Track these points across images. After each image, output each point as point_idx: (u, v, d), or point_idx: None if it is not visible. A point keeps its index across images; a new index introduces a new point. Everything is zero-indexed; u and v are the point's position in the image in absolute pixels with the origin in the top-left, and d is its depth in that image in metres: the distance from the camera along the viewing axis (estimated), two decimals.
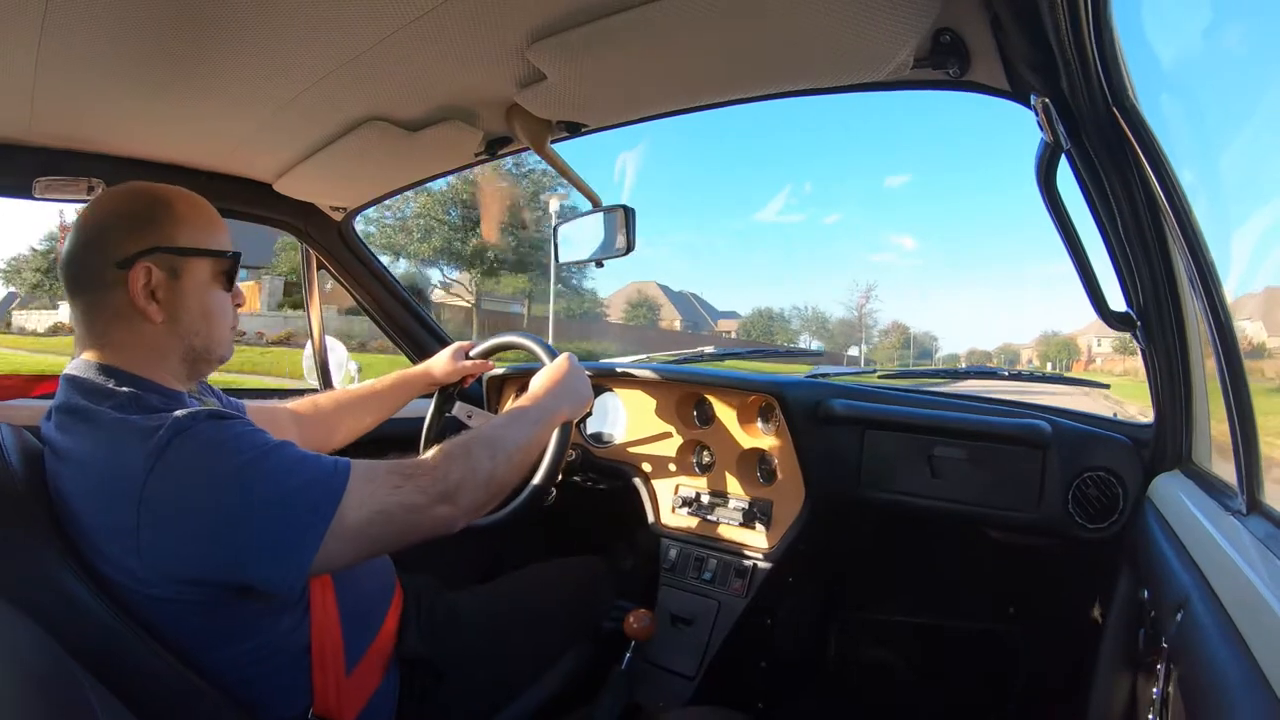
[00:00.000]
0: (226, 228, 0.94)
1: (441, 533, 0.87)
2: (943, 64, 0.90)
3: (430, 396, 1.51)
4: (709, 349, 1.95)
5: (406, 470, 0.85)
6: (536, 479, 1.23)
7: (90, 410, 0.78)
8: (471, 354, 1.48)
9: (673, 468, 1.66)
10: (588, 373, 1.24)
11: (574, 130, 1.25)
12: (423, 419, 1.52)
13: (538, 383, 1.16)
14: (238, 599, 0.79)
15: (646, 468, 1.69)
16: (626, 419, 1.74)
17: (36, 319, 22.82)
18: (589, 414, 1.54)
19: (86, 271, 0.84)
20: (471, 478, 0.89)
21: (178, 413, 0.75)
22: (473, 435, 0.97)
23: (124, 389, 0.80)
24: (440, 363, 1.46)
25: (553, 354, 1.27)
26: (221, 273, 0.91)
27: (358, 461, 0.82)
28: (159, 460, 0.72)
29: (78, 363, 0.84)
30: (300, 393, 1.95)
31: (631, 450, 1.71)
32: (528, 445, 1.03)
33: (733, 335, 53.21)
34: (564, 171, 1.36)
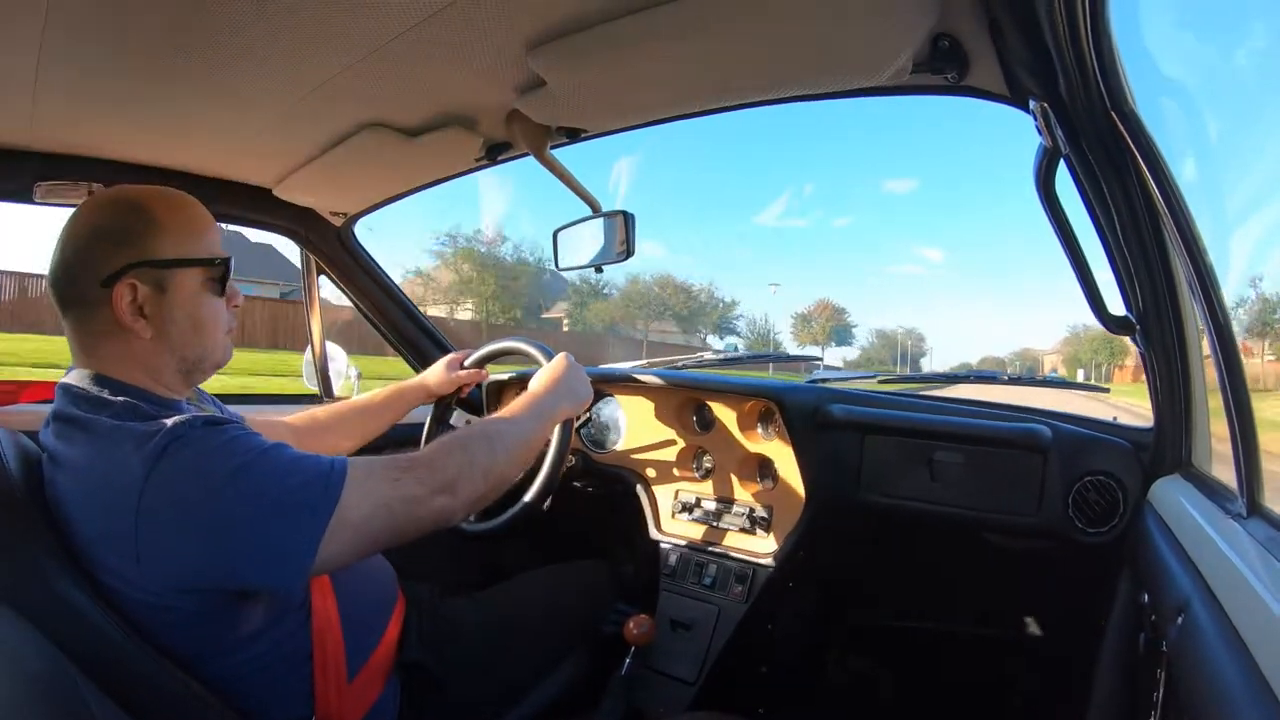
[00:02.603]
0: (216, 228, 0.91)
1: (442, 525, 0.87)
2: (941, 69, 0.90)
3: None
4: (709, 354, 1.95)
5: (404, 464, 0.85)
6: (538, 482, 1.23)
7: (87, 419, 0.78)
8: (466, 363, 1.48)
9: (673, 473, 1.66)
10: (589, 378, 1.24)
11: (573, 136, 1.25)
12: (424, 424, 1.52)
13: (537, 382, 1.17)
14: (239, 606, 0.79)
15: (647, 473, 1.69)
16: (627, 424, 1.74)
17: None
18: (589, 417, 1.54)
19: (71, 289, 0.83)
20: (469, 469, 0.89)
21: (174, 419, 0.75)
22: (470, 429, 0.98)
23: (119, 398, 0.80)
24: (435, 374, 1.46)
25: (549, 355, 1.27)
26: (212, 279, 0.88)
27: (354, 459, 0.81)
28: (155, 467, 0.72)
29: (74, 373, 0.84)
30: (301, 398, 1.96)
31: (632, 455, 1.71)
32: (526, 440, 1.03)
33: (564, 321, 41.67)
34: (563, 177, 1.36)
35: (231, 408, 1.12)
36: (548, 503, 1.34)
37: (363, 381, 1.99)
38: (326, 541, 0.75)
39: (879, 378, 1.83)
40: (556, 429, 1.23)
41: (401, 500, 0.82)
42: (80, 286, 0.82)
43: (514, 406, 1.07)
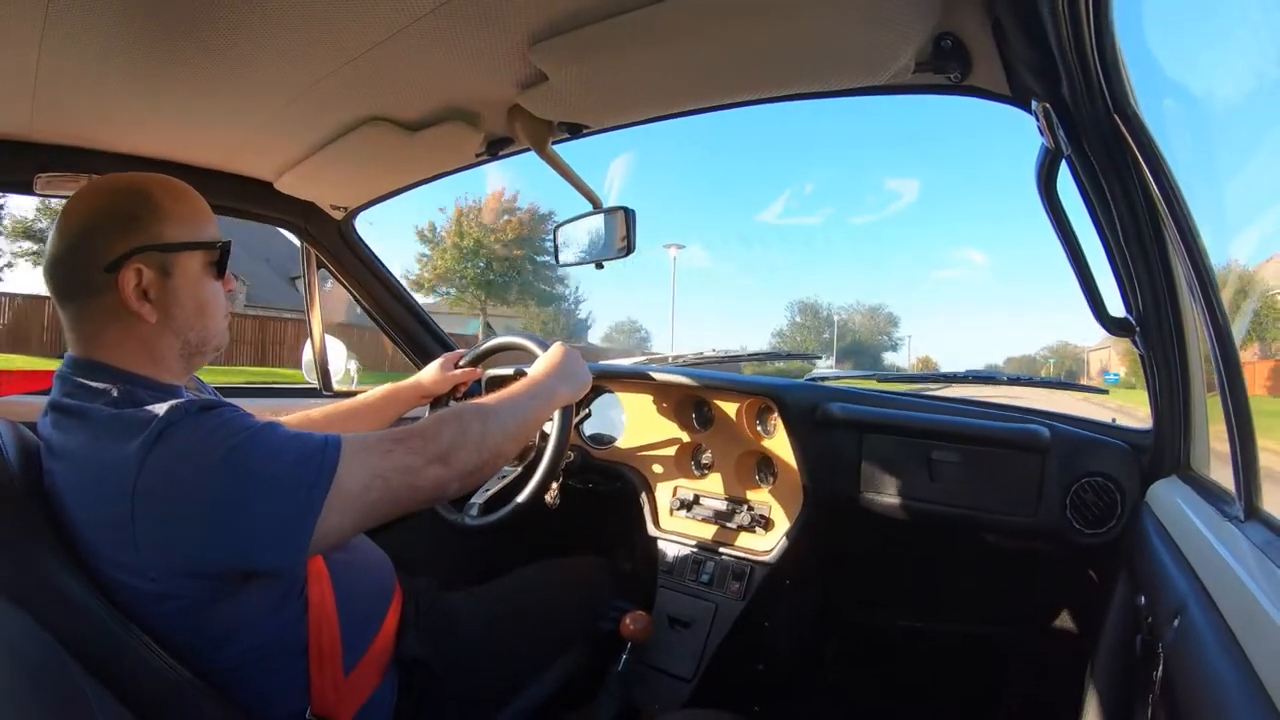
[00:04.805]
0: (212, 214, 0.92)
1: (438, 497, 0.88)
2: (944, 68, 0.90)
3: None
4: (709, 352, 1.95)
5: (398, 436, 0.85)
6: (538, 473, 1.24)
7: (83, 407, 0.78)
8: (461, 363, 1.48)
9: (672, 470, 1.66)
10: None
11: (575, 131, 1.25)
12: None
13: (535, 369, 1.18)
14: (237, 593, 0.79)
15: (646, 470, 1.69)
16: (626, 421, 1.74)
17: None
18: (589, 413, 1.53)
19: (73, 276, 0.82)
20: (463, 439, 0.89)
21: (169, 405, 0.75)
22: (465, 403, 0.99)
23: (118, 386, 0.80)
24: (430, 374, 1.46)
25: (544, 346, 1.28)
26: (212, 263, 0.89)
27: (348, 434, 0.82)
28: (150, 452, 0.72)
29: (71, 362, 0.84)
30: (300, 393, 1.96)
31: (630, 452, 1.71)
32: (524, 416, 1.03)
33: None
34: (564, 173, 1.36)
35: (229, 400, 1.12)
36: (555, 496, 1.34)
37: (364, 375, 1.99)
38: (325, 515, 0.75)
39: (877, 376, 1.83)
40: (556, 416, 1.24)
41: (396, 471, 0.82)
42: (83, 272, 0.82)
43: (512, 388, 1.08)
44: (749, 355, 2.17)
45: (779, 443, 1.50)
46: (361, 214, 1.81)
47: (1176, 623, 0.70)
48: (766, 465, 1.57)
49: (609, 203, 1.42)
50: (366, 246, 1.88)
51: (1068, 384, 1.88)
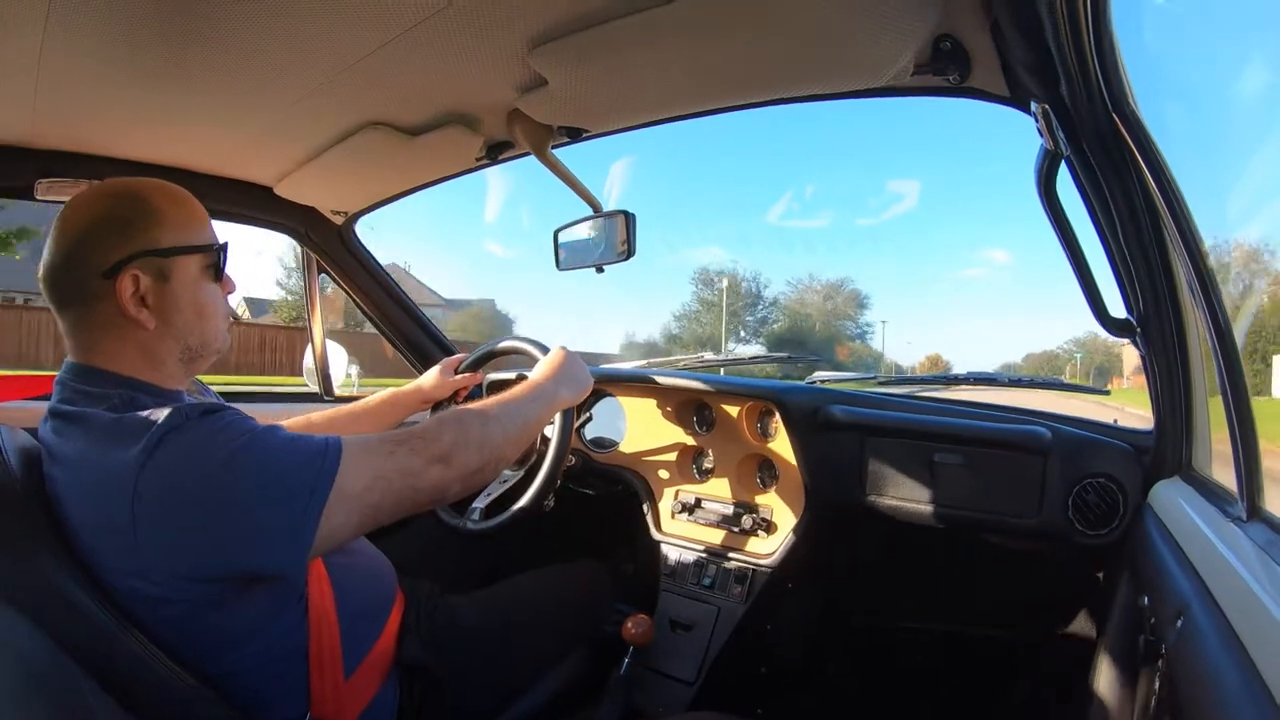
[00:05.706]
0: (209, 217, 0.91)
1: (439, 498, 0.88)
2: (943, 70, 0.90)
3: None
4: (709, 355, 1.96)
5: (399, 437, 0.85)
6: (539, 478, 1.24)
7: (83, 413, 0.78)
8: (461, 367, 1.48)
9: (674, 474, 1.66)
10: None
11: (575, 135, 1.25)
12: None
13: (536, 372, 1.18)
14: (239, 597, 0.79)
15: (648, 474, 1.69)
16: (627, 425, 1.74)
17: None
18: (590, 416, 1.53)
19: (70, 284, 0.82)
20: (464, 440, 0.89)
21: (170, 409, 0.75)
22: (466, 406, 0.99)
23: (118, 391, 0.80)
24: (431, 379, 1.46)
25: (545, 350, 1.28)
26: (210, 265, 0.89)
27: (349, 436, 0.82)
28: (151, 457, 0.72)
29: (70, 367, 0.84)
30: (300, 397, 1.96)
31: (632, 456, 1.71)
32: (524, 419, 1.03)
33: None
34: (564, 176, 1.36)
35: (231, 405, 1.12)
36: (550, 500, 1.34)
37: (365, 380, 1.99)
38: (326, 517, 0.75)
39: (878, 378, 1.83)
40: (558, 419, 1.24)
41: (398, 472, 0.82)
42: (80, 279, 0.82)
43: (513, 391, 1.08)
44: (750, 359, 2.17)
45: (781, 446, 1.50)
46: (361, 219, 1.81)
47: (1179, 623, 0.69)
48: (768, 468, 1.57)
49: (608, 206, 1.42)
50: (367, 251, 1.89)
51: (1067, 384, 1.88)
